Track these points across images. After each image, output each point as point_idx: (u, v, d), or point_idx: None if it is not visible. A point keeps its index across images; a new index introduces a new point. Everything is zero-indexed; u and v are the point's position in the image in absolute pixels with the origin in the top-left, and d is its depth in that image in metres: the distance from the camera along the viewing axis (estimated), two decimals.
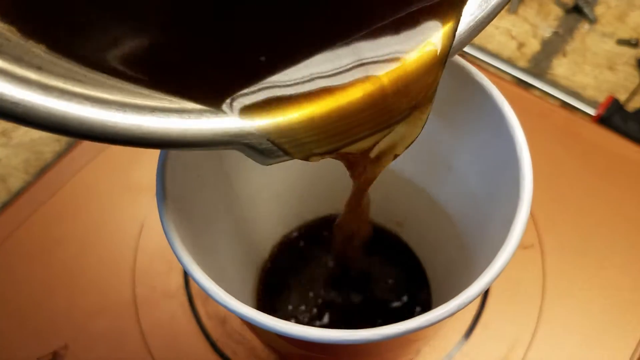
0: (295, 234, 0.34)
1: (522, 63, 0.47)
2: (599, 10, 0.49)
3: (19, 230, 0.36)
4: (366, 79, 0.17)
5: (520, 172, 0.20)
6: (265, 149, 0.17)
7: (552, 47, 0.48)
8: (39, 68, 0.14)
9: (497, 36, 0.48)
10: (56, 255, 0.35)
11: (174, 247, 0.19)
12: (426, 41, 0.17)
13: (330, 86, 0.17)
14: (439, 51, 0.18)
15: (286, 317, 0.31)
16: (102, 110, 0.14)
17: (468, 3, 0.18)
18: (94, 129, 0.14)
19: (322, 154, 0.18)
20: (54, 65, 0.14)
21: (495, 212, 0.22)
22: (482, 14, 0.18)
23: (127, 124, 0.14)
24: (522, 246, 0.35)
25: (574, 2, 0.49)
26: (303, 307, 0.32)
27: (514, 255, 0.34)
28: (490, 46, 0.47)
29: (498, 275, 0.18)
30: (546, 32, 0.48)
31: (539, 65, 0.47)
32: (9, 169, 0.41)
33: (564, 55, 0.47)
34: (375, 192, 0.34)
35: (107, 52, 0.15)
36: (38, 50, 0.14)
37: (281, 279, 0.33)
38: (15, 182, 0.40)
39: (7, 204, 0.38)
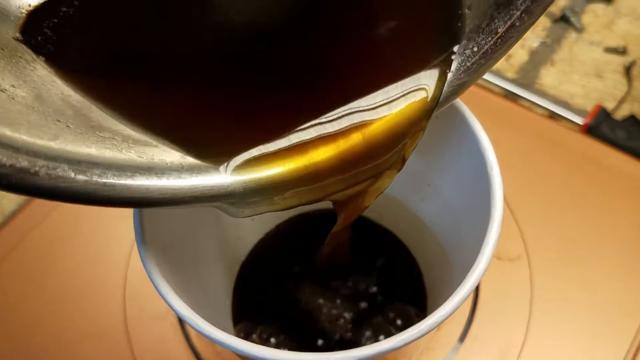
0: (272, 235, 0.34)
1: (511, 74, 0.47)
2: (586, 19, 0.50)
3: (13, 253, 0.36)
4: (351, 132, 0.17)
5: (491, 191, 0.20)
6: (241, 205, 0.17)
7: (540, 57, 0.48)
8: (27, 125, 0.14)
9: None
10: (49, 278, 0.36)
11: (151, 274, 0.19)
12: (414, 98, 0.18)
13: (320, 137, 0.17)
14: (428, 100, 0.18)
15: (265, 330, 0.31)
16: (87, 177, 0.14)
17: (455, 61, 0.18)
18: (78, 195, 0.14)
19: (304, 204, 0.18)
20: (47, 107, 0.15)
21: (471, 230, 0.22)
22: (468, 78, 0.19)
23: (107, 188, 0.15)
24: (509, 258, 0.35)
25: (561, 11, 0.50)
26: (284, 319, 0.32)
27: (501, 266, 0.35)
28: None
29: (467, 297, 0.18)
30: (534, 42, 0.49)
31: (527, 76, 0.47)
32: (2, 192, 0.41)
33: (552, 64, 0.47)
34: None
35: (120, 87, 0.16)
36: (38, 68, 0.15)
37: (261, 285, 0.33)
38: (9, 204, 0.41)
39: (1, 226, 0.39)
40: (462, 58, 0.18)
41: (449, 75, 0.18)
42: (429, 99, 0.18)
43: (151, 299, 0.34)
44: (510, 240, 0.35)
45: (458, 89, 0.18)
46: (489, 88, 0.44)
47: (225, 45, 0.16)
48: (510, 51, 0.48)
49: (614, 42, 0.48)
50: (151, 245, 0.20)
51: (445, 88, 0.18)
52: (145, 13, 0.16)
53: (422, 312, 0.33)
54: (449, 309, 0.18)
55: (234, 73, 0.17)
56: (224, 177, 0.16)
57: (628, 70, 0.47)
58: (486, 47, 0.18)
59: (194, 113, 0.17)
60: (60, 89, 0.15)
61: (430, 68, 0.18)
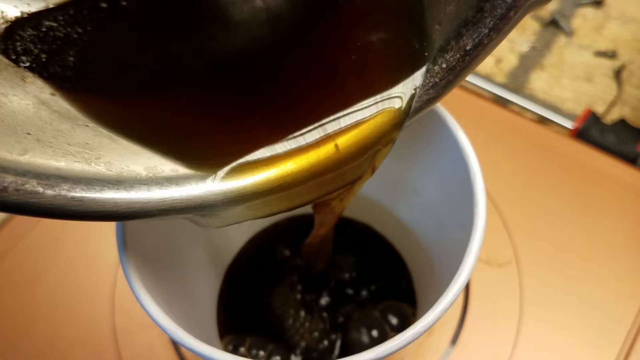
0: (258, 239, 0.34)
1: (500, 79, 0.47)
2: (576, 23, 0.50)
3: (2, 262, 0.36)
4: (324, 141, 0.18)
5: (474, 199, 0.20)
6: (210, 216, 0.17)
7: (529, 62, 0.48)
8: None
9: None
10: (38, 287, 0.35)
11: (131, 282, 0.19)
12: (385, 107, 0.18)
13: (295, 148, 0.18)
14: (398, 113, 0.18)
15: (255, 342, 0.31)
16: (55, 192, 0.14)
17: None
18: (47, 210, 0.14)
19: (275, 214, 0.19)
20: (17, 119, 0.15)
21: (455, 238, 0.22)
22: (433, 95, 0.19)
23: (75, 203, 0.15)
24: (499, 263, 0.35)
25: (551, 15, 0.50)
26: (273, 327, 0.32)
27: (491, 272, 0.35)
28: None
29: (449, 307, 0.18)
30: (523, 46, 0.49)
31: (517, 80, 0.47)
32: None
33: (542, 69, 0.48)
34: (351, 212, 0.34)
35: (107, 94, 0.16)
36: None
37: (248, 292, 0.33)
38: None
39: None
40: (431, 74, 0.18)
41: (417, 91, 0.18)
42: (398, 112, 0.18)
43: (140, 307, 0.33)
44: (500, 246, 0.35)
45: (427, 104, 0.19)
46: (478, 93, 0.44)
47: (206, 61, 0.16)
48: (500, 56, 0.48)
49: (603, 46, 0.48)
50: (133, 253, 0.20)
51: (414, 103, 0.18)
52: (131, 26, 0.16)
53: (414, 316, 0.33)
54: (431, 319, 0.18)
55: (212, 88, 0.17)
56: (192, 189, 0.17)
57: (618, 74, 0.47)
58: (454, 63, 0.18)
59: (175, 124, 0.17)
60: (33, 98, 0.15)
61: (401, 83, 0.18)
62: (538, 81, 0.47)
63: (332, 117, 0.18)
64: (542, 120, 0.43)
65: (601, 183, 0.38)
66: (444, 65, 0.18)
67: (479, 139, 0.35)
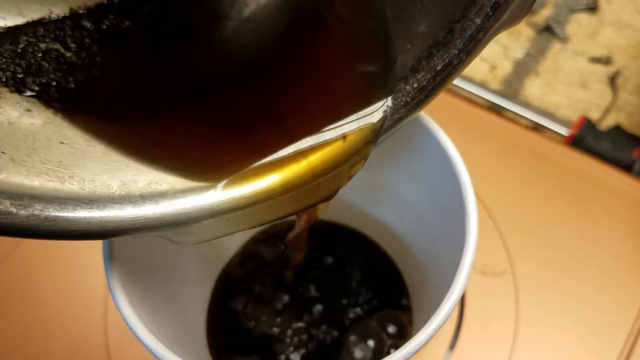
0: (247, 254, 0.34)
1: (495, 85, 0.47)
2: (570, 29, 0.50)
3: None
4: (298, 158, 0.18)
5: (466, 215, 0.20)
6: (184, 234, 0.17)
7: (524, 68, 0.48)
8: None
9: None
10: (31, 298, 0.35)
11: (117, 300, 0.19)
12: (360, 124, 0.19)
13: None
14: (369, 131, 0.19)
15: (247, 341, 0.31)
16: (29, 212, 0.14)
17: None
18: (21, 230, 0.15)
19: (250, 228, 0.19)
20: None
21: (448, 252, 0.22)
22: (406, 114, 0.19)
23: (49, 223, 0.15)
24: (494, 273, 0.35)
25: (545, 22, 0.50)
26: (267, 343, 0.32)
27: (486, 282, 0.34)
28: None
29: (441, 326, 0.18)
30: (518, 53, 0.49)
31: (512, 87, 0.47)
32: None
33: (537, 75, 0.47)
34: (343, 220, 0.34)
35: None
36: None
37: (240, 307, 0.32)
38: None
39: None
40: (402, 93, 0.18)
41: (389, 110, 0.18)
42: (371, 130, 0.18)
43: None
44: (495, 255, 0.35)
45: (398, 122, 0.19)
46: (472, 100, 0.44)
47: (185, 80, 0.16)
48: (495, 62, 0.48)
49: (598, 52, 0.48)
50: (120, 266, 0.20)
51: (386, 122, 0.19)
52: (116, 44, 0.16)
53: (410, 324, 0.32)
54: (423, 338, 0.18)
55: (190, 107, 0.17)
56: (164, 206, 0.16)
57: (613, 80, 0.47)
58: (425, 83, 0.18)
59: (150, 139, 0.17)
60: (8, 115, 0.15)
61: (373, 103, 0.18)
62: (532, 88, 0.47)
63: (307, 136, 0.18)
64: (537, 127, 0.43)
65: (596, 190, 0.38)
66: (415, 85, 0.18)
67: (473, 146, 0.35)
